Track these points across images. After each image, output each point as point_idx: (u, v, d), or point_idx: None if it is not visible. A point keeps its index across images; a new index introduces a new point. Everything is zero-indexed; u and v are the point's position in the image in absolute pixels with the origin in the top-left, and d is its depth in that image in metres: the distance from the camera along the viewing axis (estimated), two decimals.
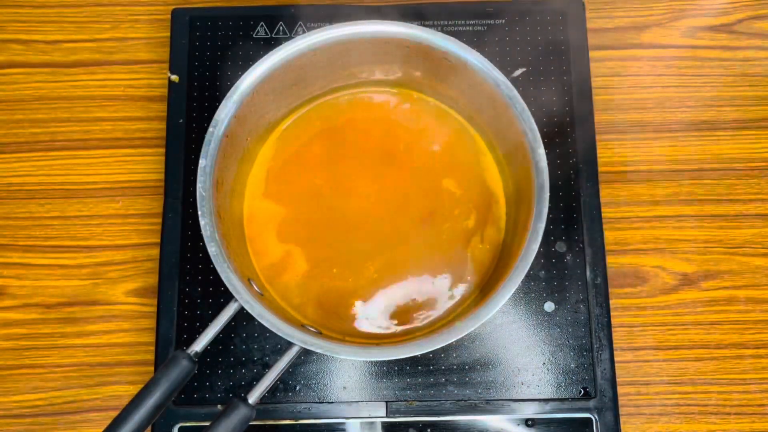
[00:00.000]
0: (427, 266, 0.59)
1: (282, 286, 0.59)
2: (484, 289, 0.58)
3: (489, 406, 0.58)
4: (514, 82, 0.61)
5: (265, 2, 0.68)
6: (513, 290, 0.50)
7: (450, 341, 0.49)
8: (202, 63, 0.64)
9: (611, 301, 0.62)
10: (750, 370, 0.62)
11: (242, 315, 0.50)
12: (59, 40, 0.69)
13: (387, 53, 0.57)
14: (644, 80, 0.68)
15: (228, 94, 0.53)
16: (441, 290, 0.59)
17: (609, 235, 0.64)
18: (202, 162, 0.52)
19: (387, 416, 0.58)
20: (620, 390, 0.61)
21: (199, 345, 0.49)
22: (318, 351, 0.49)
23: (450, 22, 0.66)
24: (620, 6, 0.70)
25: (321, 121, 0.62)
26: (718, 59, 0.69)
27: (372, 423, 0.58)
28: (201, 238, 0.51)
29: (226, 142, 0.54)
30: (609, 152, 0.66)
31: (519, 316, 0.60)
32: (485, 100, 0.56)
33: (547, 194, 0.52)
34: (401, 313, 0.59)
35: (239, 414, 0.47)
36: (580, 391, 0.59)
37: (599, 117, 0.66)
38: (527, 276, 0.52)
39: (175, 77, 0.64)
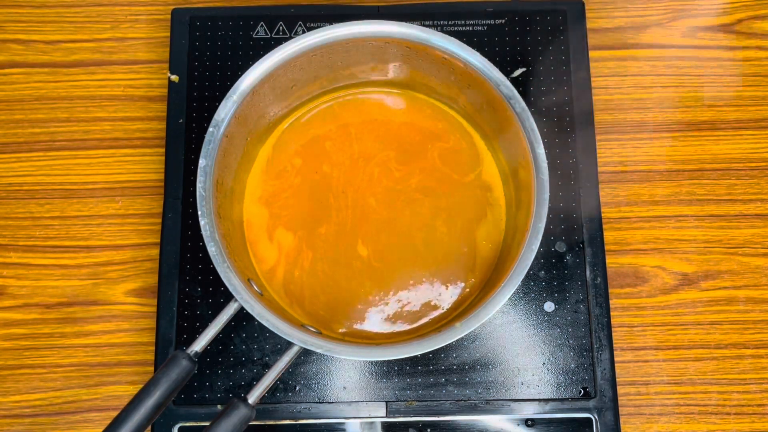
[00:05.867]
0: (427, 267, 0.59)
1: (280, 287, 0.59)
2: (484, 289, 0.58)
3: (489, 406, 0.58)
4: (514, 82, 0.62)
5: (265, 2, 0.68)
6: (513, 290, 0.50)
7: (450, 341, 0.49)
8: (202, 63, 0.64)
9: (611, 301, 0.62)
10: (750, 370, 0.62)
11: (242, 315, 0.50)
12: (59, 40, 0.69)
13: (387, 53, 0.57)
14: (644, 80, 0.68)
15: (228, 94, 0.53)
16: (440, 290, 0.59)
17: (609, 235, 0.64)
18: (202, 162, 0.52)
19: (387, 416, 0.58)
20: (620, 390, 0.61)
21: (199, 345, 0.49)
22: (318, 351, 0.49)
23: (450, 22, 0.66)
24: (620, 6, 0.70)
25: (320, 121, 0.62)
26: (718, 59, 0.69)
27: (372, 423, 0.58)
28: (201, 238, 0.51)
29: (226, 142, 0.54)
30: (609, 152, 0.66)
31: (519, 316, 0.60)
32: (485, 100, 0.56)
33: (547, 194, 0.52)
34: (401, 314, 0.59)
35: (239, 414, 0.47)
36: (580, 391, 0.59)
37: (599, 117, 0.66)
38: (527, 276, 0.52)
39: (175, 77, 0.64)
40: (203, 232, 0.51)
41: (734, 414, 0.62)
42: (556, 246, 0.61)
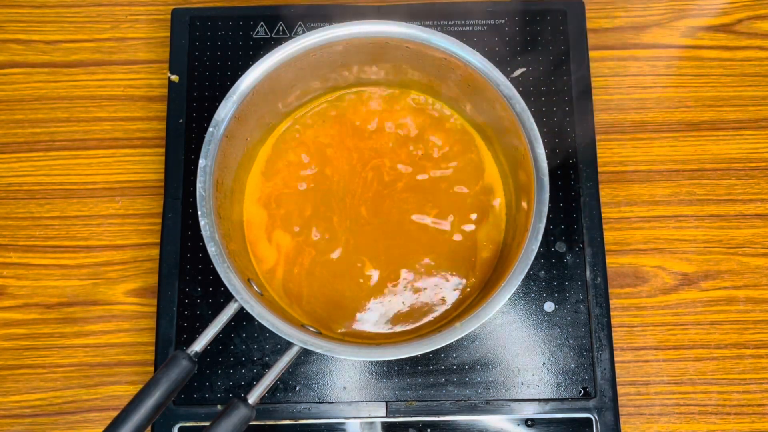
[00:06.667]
0: (427, 267, 0.59)
1: (280, 287, 0.59)
2: (484, 289, 0.58)
3: (489, 406, 0.58)
4: (514, 82, 0.61)
5: (265, 2, 0.68)
6: (513, 290, 0.50)
7: (450, 341, 0.49)
8: (202, 63, 0.64)
9: (611, 301, 0.62)
10: (750, 370, 0.62)
11: (242, 315, 0.50)
12: (59, 40, 0.69)
13: (387, 53, 0.57)
14: (644, 80, 0.68)
15: (228, 94, 0.53)
16: (440, 290, 0.59)
17: (609, 235, 0.64)
18: (202, 162, 0.52)
19: (387, 416, 0.58)
20: (620, 390, 0.61)
21: (199, 345, 0.49)
22: (318, 351, 0.49)
23: (450, 22, 0.66)
24: (620, 6, 0.70)
25: (320, 121, 0.62)
26: (718, 59, 0.69)
27: (372, 423, 0.58)
28: (201, 238, 0.51)
29: (226, 142, 0.54)
30: (609, 152, 0.66)
31: (519, 316, 0.60)
32: (485, 100, 0.56)
33: (547, 194, 0.52)
34: (401, 314, 0.59)
35: (239, 414, 0.47)
36: (580, 391, 0.59)
37: (599, 117, 0.66)
38: (527, 276, 0.52)
39: (175, 77, 0.64)
40: (203, 232, 0.51)
41: (734, 414, 0.61)
42: (556, 246, 0.61)
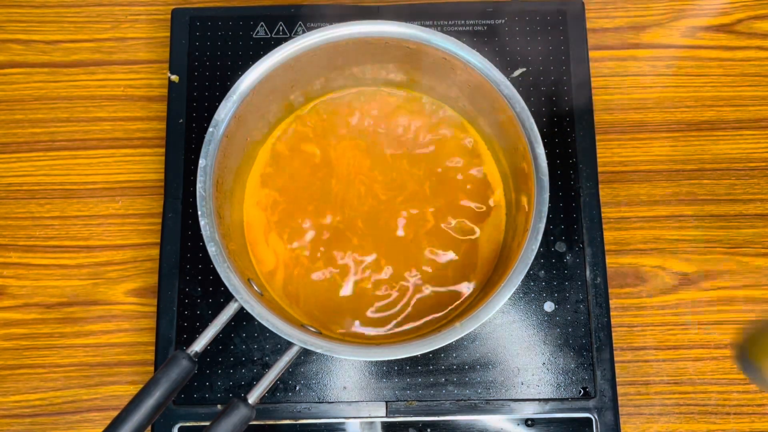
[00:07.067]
0: (427, 267, 0.59)
1: (280, 288, 0.59)
2: (484, 289, 0.58)
3: (489, 406, 0.58)
4: (514, 82, 0.62)
5: (265, 2, 0.68)
6: (513, 290, 0.50)
7: (450, 341, 0.49)
8: (202, 63, 0.64)
9: (611, 301, 0.62)
10: None
11: (242, 315, 0.50)
12: (59, 40, 0.69)
13: (387, 53, 0.57)
14: (644, 80, 0.68)
15: (228, 94, 0.53)
16: (440, 290, 0.59)
17: (609, 235, 0.64)
18: (202, 162, 0.52)
19: (387, 416, 0.58)
20: (620, 390, 0.61)
21: (199, 345, 0.49)
22: (318, 351, 0.49)
23: (450, 22, 0.66)
24: (620, 6, 0.70)
25: (320, 121, 0.62)
26: (718, 59, 0.69)
27: (372, 423, 0.58)
28: (201, 238, 0.51)
29: (226, 142, 0.54)
30: (609, 152, 0.66)
31: (519, 316, 0.60)
32: (485, 100, 0.56)
33: (547, 194, 0.52)
34: (401, 314, 0.58)
35: (239, 414, 0.47)
36: (580, 391, 0.59)
37: (599, 117, 0.66)
38: (527, 276, 0.52)
39: (175, 77, 0.64)
40: (203, 232, 0.51)
41: (734, 414, 0.61)
42: (556, 246, 0.61)
